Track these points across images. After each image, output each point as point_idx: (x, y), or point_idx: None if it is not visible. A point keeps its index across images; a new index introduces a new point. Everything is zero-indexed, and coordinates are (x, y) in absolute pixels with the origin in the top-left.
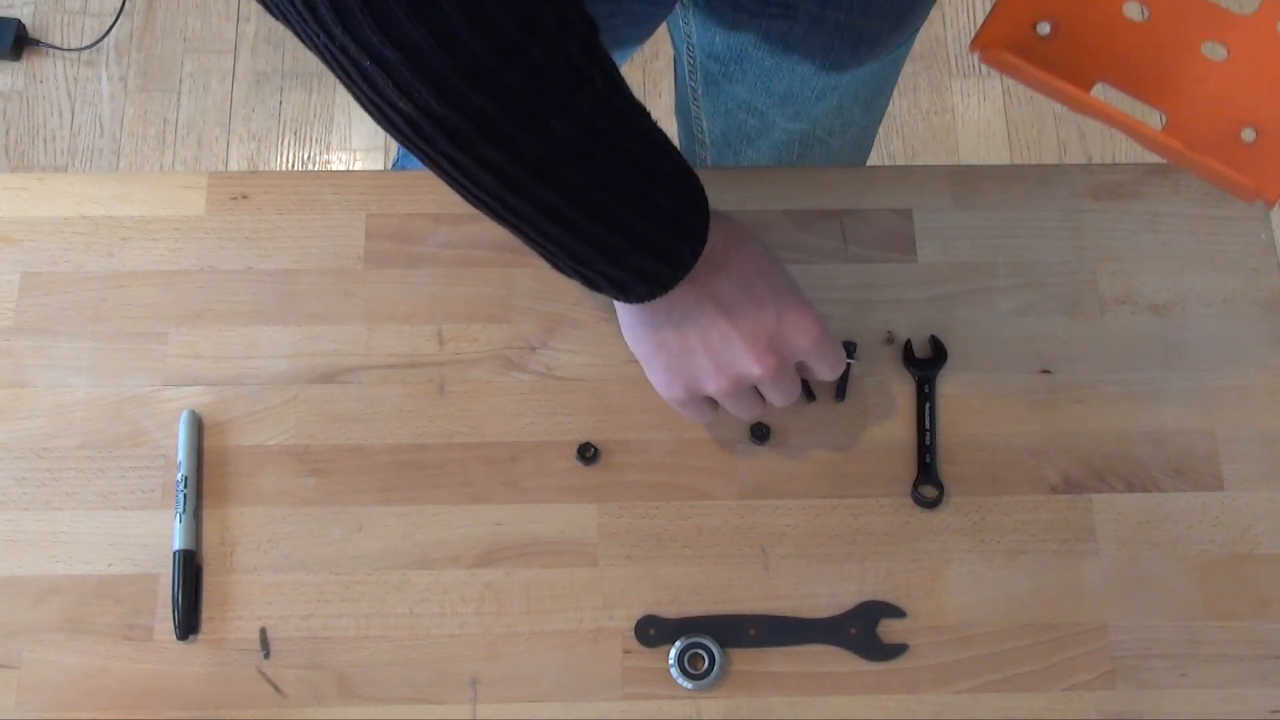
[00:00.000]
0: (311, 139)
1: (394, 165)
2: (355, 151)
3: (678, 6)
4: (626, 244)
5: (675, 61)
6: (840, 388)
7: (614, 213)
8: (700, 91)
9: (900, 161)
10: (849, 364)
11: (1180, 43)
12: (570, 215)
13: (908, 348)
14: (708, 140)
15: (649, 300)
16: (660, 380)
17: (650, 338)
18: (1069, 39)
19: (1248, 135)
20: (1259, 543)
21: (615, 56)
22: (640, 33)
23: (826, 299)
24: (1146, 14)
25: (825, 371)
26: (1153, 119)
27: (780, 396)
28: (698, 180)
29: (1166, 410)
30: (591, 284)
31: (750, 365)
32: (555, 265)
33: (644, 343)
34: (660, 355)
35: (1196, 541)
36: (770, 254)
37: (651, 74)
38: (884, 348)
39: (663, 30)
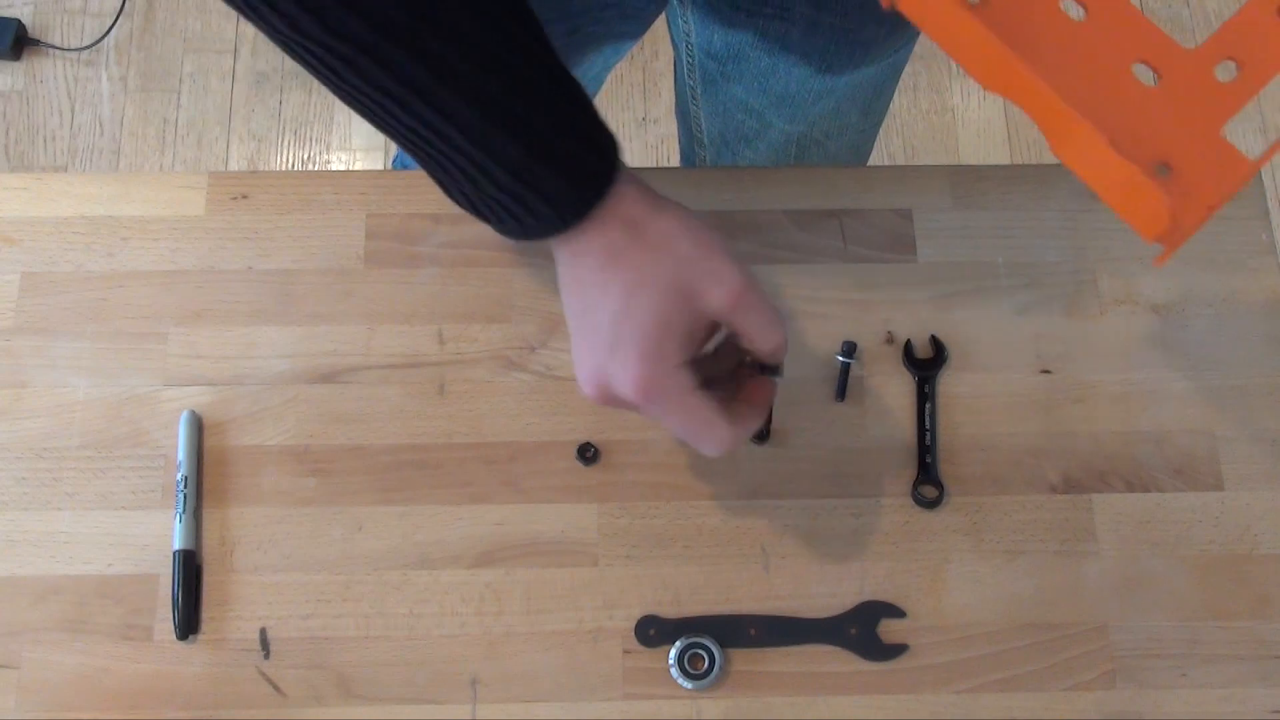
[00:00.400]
0: (311, 139)
1: (393, 164)
2: (355, 151)
3: (676, 3)
4: (501, 161)
5: (675, 61)
6: (840, 388)
7: (495, 108)
8: (699, 91)
9: (900, 161)
10: (848, 364)
11: (1112, 55)
12: (450, 107)
13: (908, 348)
14: (706, 140)
15: (529, 238)
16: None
17: (567, 303)
18: (999, 13)
19: (1162, 171)
20: (1259, 543)
21: (609, 51)
22: (633, 28)
23: (826, 299)
24: (1083, 14)
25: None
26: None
27: (680, 434)
28: (607, 131)
29: (1166, 410)
30: (478, 211)
31: (581, 383)
32: (444, 186)
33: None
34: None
35: (1196, 541)
36: (659, 279)
37: (651, 74)
38: (884, 348)
39: (663, 30)
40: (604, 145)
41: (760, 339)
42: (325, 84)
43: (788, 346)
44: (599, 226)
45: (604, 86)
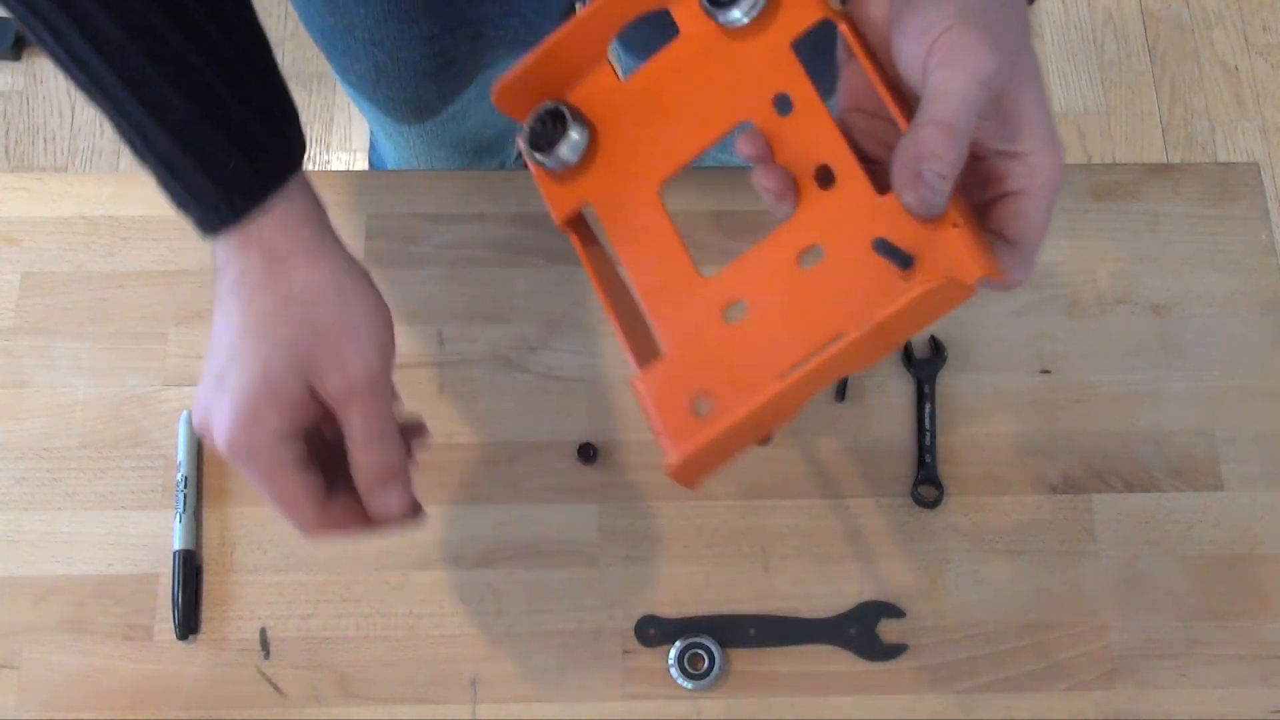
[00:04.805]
0: (311, 139)
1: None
2: (355, 151)
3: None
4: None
5: None
6: (840, 388)
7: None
8: None
9: None
10: None
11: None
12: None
13: (907, 348)
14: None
15: (208, 229)
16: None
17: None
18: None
19: (702, 407)
20: (1259, 543)
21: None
22: (535, 37)
23: None
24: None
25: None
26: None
27: (267, 498)
28: (274, 139)
29: (1166, 410)
30: (158, 179)
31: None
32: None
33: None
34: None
35: (1196, 541)
36: (284, 341)
37: None
38: None
39: None
40: (267, 156)
41: (358, 451)
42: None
43: (399, 502)
44: (238, 249)
45: None
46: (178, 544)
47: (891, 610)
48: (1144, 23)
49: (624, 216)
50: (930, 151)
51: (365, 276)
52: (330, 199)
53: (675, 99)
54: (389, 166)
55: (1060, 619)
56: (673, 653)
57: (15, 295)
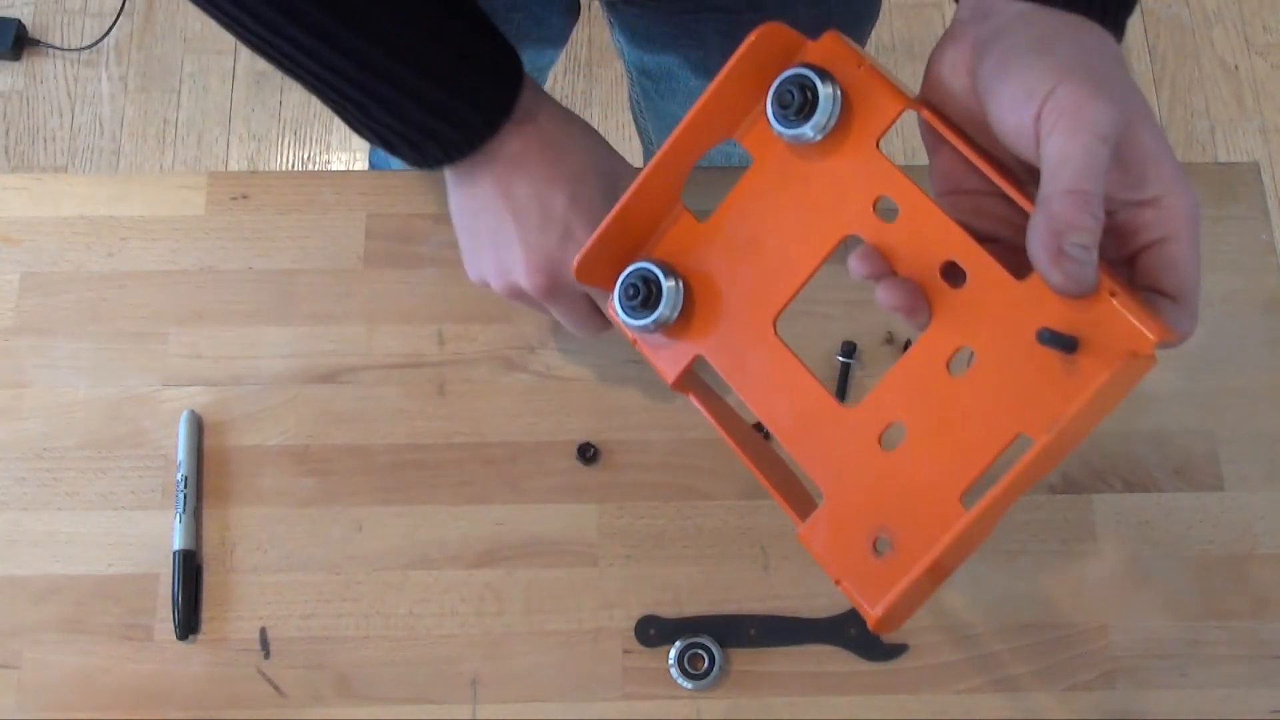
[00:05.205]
0: (311, 139)
1: (369, 165)
2: (355, 151)
3: (608, 24)
4: (408, 93)
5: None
6: (840, 388)
7: (398, 44)
8: (643, 104)
9: (900, 162)
10: (848, 364)
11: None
12: (350, 43)
13: (907, 347)
14: (656, 148)
15: (440, 165)
16: (465, 261)
17: (458, 219)
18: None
19: (881, 545)
20: (1259, 543)
21: (530, 55)
22: (547, 33)
23: (826, 299)
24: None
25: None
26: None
27: (567, 321)
28: (510, 55)
29: (1166, 410)
30: (386, 143)
31: (522, 277)
32: (349, 121)
33: (456, 221)
34: (464, 237)
35: (1196, 541)
36: (595, 169)
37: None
38: (884, 348)
39: None
40: (506, 73)
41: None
42: (238, 38)
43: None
44: (512, 137)
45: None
46: (178, 544)
47: None
48: (1144, 23)
49: (742, 362)
50: (1069, 224)
51: (587, 125)
52: (330, 199)
53: (767, 229)
54: (393, 168)
55: (1060, 619)
56: (673, 653)
57: (15, 295)
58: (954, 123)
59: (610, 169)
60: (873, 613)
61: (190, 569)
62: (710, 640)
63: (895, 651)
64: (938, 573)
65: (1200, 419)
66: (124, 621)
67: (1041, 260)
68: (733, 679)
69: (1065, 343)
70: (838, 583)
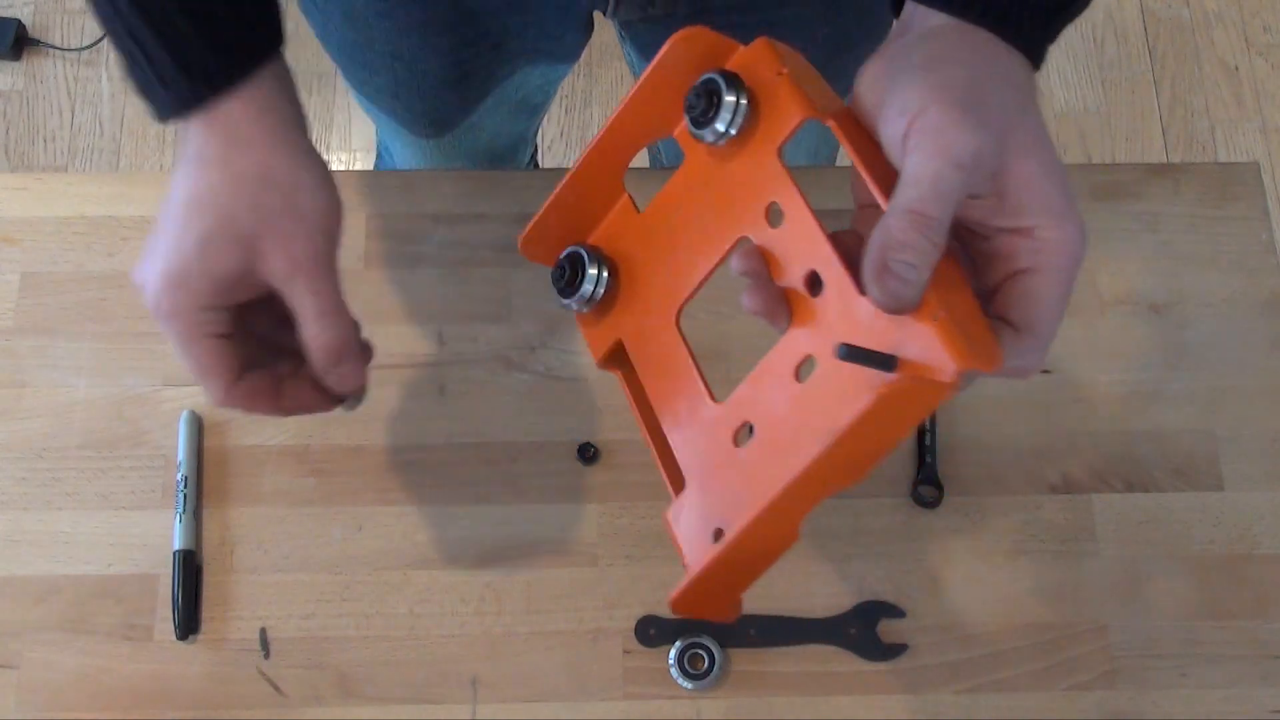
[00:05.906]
0: (311, 138)
1: (376, 165)
2: (355, 151)
3: (619, 38)
4: (139, 42)
5: None
6: None
7: None
8: None
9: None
10: None
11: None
12: None
13: None
14: (664, 160)
15: (164, 119)
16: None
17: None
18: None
19: (719, 538)
20: (1259, 543)
21: (543, 69)
22: (559, 50)
23: None
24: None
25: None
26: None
27: (186, 365)
28: (255, 51)
29: (1166, 410)
30: (126, 62)
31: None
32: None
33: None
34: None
35: (1196, 541)
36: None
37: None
38: None
39: None
40: (236, 45)
41: (310, 325)
42: None
43: (355, 375)
44: (201, 129)
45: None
46: (178, 544)
47: (891, 610)
48: (1144, 23)
49: (648, 349)
50: (899, 242)
51: (324, 170)
52: None
53: (683, 224)
54: (393, 168)
55: (1060, 619)
56: (673, 653)
57: (15, 295)
58: (862, 134)
59: (247, 227)
60: (671, 594)
61: (190, 569)
62: (710, 640)
63: (895, 651)
64: (730, 568)
65: (1200, 419)
66: (124, 621)
67: (867, 274)
68: (733, 679)
69: (875, 359)
70: (684, 567)
